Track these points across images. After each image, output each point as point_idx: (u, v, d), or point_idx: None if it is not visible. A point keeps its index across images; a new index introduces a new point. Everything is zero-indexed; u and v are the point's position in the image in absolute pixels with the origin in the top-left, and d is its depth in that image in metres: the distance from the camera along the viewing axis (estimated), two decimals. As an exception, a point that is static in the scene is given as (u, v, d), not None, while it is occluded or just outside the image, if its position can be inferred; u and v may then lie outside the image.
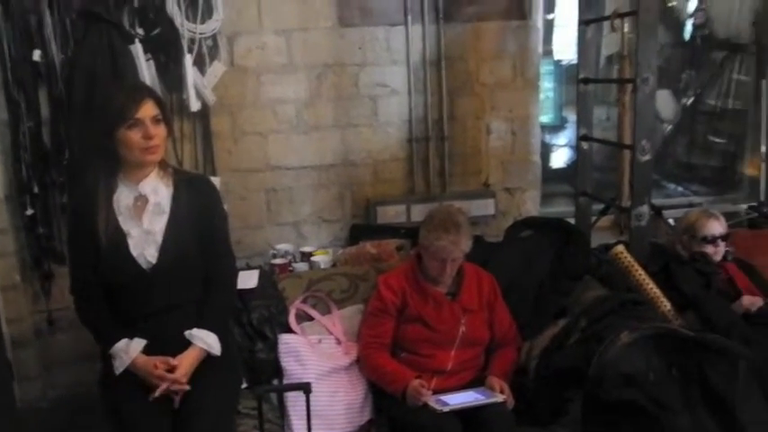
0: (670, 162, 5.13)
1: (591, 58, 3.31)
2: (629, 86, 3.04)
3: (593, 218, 3.43)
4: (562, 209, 3.81)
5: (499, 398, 2.33)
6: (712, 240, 2.85)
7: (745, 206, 3.85)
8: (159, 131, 2.02)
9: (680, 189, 4.61)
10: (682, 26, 5.51)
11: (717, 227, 2.87)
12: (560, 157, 5.20)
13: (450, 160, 3.45)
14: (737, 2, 4.47)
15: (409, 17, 3.31)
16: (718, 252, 2.87)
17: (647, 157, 2.69)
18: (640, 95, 2.67)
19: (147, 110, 1.99)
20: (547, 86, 5.91)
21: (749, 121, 4.21)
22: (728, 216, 3.54)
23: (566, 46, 5.20)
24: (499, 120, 3.48)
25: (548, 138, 5.53)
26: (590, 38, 3.20)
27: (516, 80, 3.47)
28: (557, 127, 5.61)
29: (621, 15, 3.03)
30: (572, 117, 4.00)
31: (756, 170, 4.00)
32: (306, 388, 2.09)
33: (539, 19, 3.49)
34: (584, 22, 3.17)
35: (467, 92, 3.43)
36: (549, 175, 4.27)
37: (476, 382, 2.46)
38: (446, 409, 2.25)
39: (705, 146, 4.98)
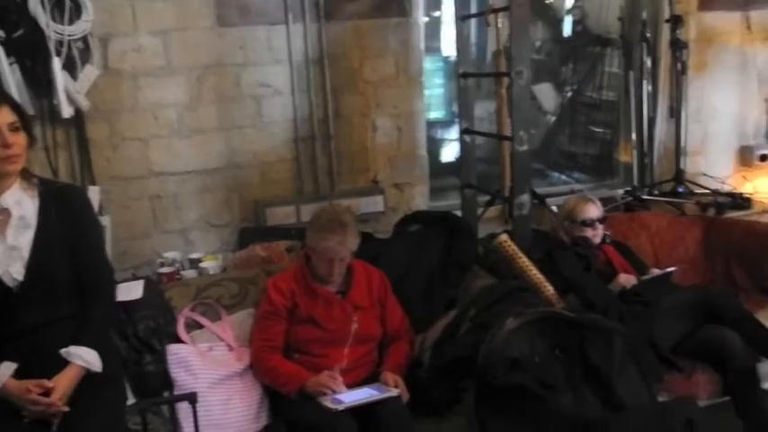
0: (554, 152, 5.35)
1: (470, 52, 3.39)
2: (506, 80, 3.14)
3: (481, 209, 3.51)
4: (453, 202, 3.89)
5: (393, 392, 2.34)
6: (590, 224, 2.98)
7: (621, 191, 4.06)
8: (18, 140, 1.89)
9: (563, 177, 4.81)
10: (560, 22, 5.76)
11: (593, 211, 3.00)
12: (451, 152, 5.32)
13: (338, 158, 3.45)
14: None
15: (290, 16, 3.28)
16: (596, 235, 3.01)
17: (524, 148, 2.78)
18: (516, 88, 2.76)
19: (3, 117, 1.86)
20: (437, 82, 6.03)
21: (622, 111, 4.44)
22: (606, 201, 3.74)
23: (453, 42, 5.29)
24: (384, 116, 3.52)
25: (439, 133, 5.65)
26: (468, 33, 3.28)
27: (400, 77, 3.52)
28: (448, 122, 5.73)
29: (495, 11, 3.12)
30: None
31: (630, 157, 4.23)
32: (191, 398, 2.03)
33: (419, 16, 3.54)
34: (461, 18, 3.24)
35: (351, 90, 3.44)
36: (441, 169, 4.35)
37: (371, 379, 2.46)
38: (341, 407, 2.24)
39: (586, 135, 5.23)
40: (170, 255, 3.07)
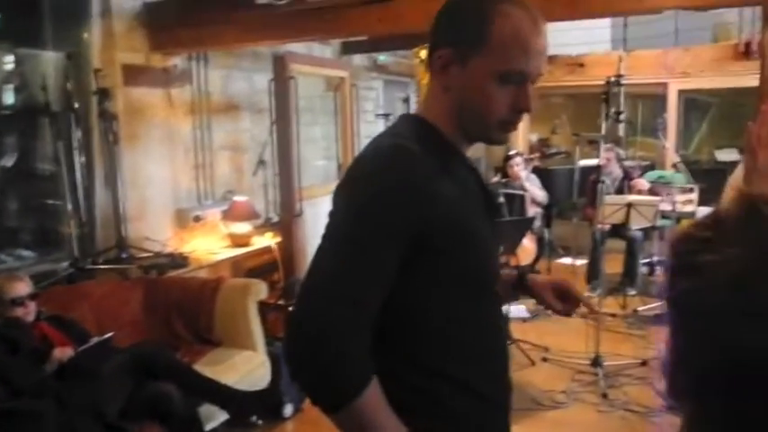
0: (-4, 230, 4.93)
1: None
2: None
3: None
4: None
5: None
6: (20, 302, 2.85)
7: (66, 263, 3.97)
8: None
9: (2, 257, 4.46)
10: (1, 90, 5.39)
11: (22, 288, 2.89)
12: None
13: None
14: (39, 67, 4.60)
15: None
16: (29, 313, 2.89)
17: None
18: None
19: None
20: None
21: (60, 183, 4.37)
22: (49, 275, 3.63)
23: None
24: None
25: None
26: None
27: None
28: None
29: None
30: None
31: (71, 228, 4.18)
32: None
33: None
34: None
35: None
36: None
37: None
38: None
39: (34, 209, 4.97)
40: None
